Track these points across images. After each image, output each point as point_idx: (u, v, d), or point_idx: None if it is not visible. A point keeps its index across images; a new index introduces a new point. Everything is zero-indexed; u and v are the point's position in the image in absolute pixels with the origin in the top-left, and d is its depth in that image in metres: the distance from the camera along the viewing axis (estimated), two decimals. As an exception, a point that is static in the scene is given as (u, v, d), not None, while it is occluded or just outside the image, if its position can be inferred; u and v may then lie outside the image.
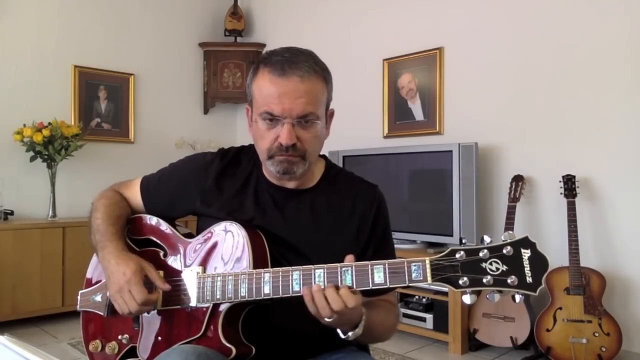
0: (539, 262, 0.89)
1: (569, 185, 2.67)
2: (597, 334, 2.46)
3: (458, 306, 2.84)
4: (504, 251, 0.90)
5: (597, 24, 2.78)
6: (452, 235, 2.99)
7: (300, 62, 1.08)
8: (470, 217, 2.94)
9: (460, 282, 0.91)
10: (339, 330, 1.03)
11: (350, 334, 1.02)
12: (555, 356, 2.55)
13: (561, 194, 2.69)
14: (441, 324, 2.93)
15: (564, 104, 2.89)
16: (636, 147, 2.65)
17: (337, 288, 0.96)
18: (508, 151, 3.11)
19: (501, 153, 3.14)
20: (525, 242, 0.90)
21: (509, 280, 0.89)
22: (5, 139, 3.57)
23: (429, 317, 2.99)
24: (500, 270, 0.89)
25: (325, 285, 0.97)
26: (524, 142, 3.04)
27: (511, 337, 2.71)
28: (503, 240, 0.91)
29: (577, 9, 2.85)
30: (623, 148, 2.69)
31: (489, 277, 0.89)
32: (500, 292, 0.90)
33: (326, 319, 0.97)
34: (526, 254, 0.89)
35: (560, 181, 2.72)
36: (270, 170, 1.15)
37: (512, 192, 2.86)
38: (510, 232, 0.91)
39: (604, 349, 2.44)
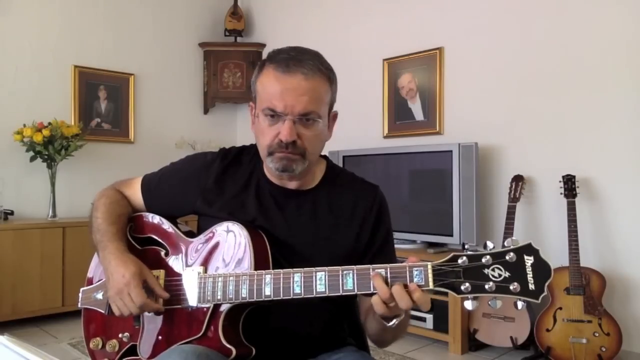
0: (542, 269, 0.88)
1: (569, 185, 2.67)
2: (597, 334, 2.47)
3: (458, 306, 2.84)
4: (507, 257, 0.89)
5: (597, 23, 2.77)
6: (452, 236, 2.99)
7: (305, 61, 1.08)
8: (470, 217, 2.94)
9: (462, 287, 0.90)
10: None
11: (395, 320, 1.00)
12: (555, 356, 2.56)
13: (561, 194, 2.70)
14: (441, 324, 2.93)
15: (564, 104, 2.89)
16: (636, 147, 2.65)
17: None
18: (508, 151, 3.11)
19: (501, 153, 3.14)
20: (529, 249, 0.89)
21: (511, 287, 0.88)
22: (5, 139, 3.56)
23: (429, 317, 2.99)
24: (502, 277, 0.89)
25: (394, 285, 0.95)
26: (524, 142, 3.04)
27: (511, 337, 2.71)
28: (506, 246, 0.90)
29: (577, 9, 2.84)
30: (623, 148, 2.69)
31: (491, 283, 0.89)
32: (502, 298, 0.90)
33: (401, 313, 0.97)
34: (529, 260, 0.89)
35: (560, 181, 2.72)
36: (270, 167, 1.14)
37: (512, 192, 2.86)
38: (514, 238, 0.91)
39: (604, 349, 2.44)
